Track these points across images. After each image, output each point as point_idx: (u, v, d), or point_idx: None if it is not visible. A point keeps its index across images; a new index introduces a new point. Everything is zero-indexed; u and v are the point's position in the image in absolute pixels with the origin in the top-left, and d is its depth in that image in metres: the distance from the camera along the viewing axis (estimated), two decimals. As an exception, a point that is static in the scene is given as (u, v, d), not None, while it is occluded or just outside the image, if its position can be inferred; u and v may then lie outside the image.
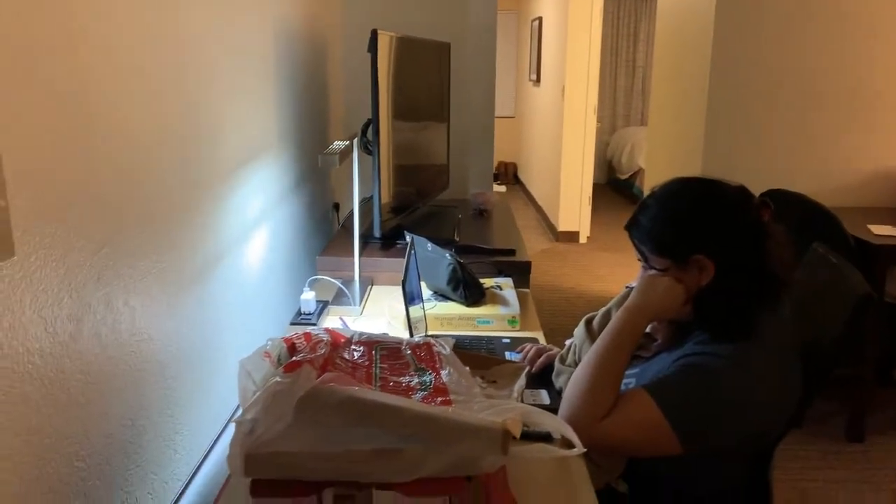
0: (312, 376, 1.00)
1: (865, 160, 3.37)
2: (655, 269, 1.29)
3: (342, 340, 1.22)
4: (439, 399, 1.06)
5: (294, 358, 1.05)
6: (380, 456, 0.96)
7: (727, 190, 1.28)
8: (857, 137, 3.35)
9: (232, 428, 1.30)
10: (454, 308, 1.84)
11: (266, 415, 0.97)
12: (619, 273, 5.11)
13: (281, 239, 2.14)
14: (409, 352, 1.22)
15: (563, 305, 4.47)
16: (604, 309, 1.55)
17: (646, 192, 1.36)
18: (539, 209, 7.14)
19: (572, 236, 6.12)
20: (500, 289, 1.96)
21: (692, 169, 3.46)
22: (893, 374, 3.23)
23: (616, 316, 1.30)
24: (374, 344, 1.23)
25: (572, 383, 1.28)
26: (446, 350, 1.20)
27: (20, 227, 0.86)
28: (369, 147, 2.18)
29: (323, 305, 1.96)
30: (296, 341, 1.16)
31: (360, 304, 1.99)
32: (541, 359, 1.58)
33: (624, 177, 7.90)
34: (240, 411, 1.33)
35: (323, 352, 1.11)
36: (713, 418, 1.22)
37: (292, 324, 1.87)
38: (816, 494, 2.53)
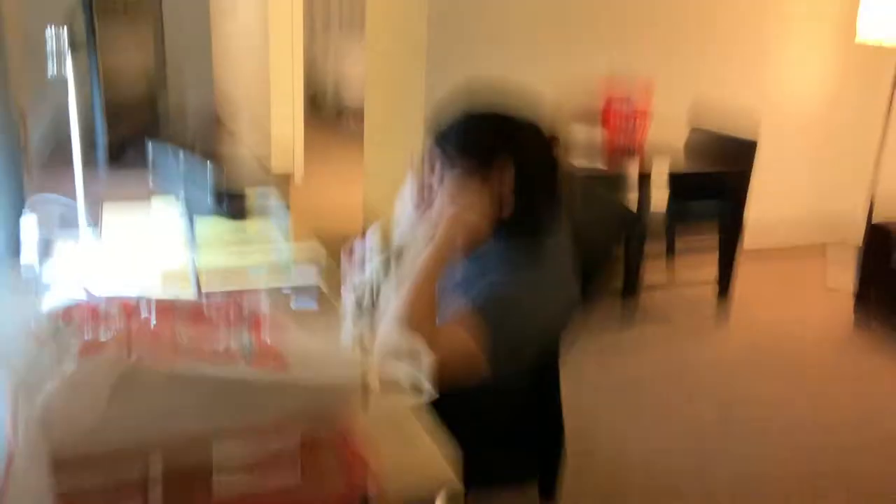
0: (122, 356, 0.82)
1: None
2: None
3: (130, 307, 1.02)
4: (271, 363, 0.95)
5: (88, 338, 0.85)
6: (222, 435, 0.83)
7: (522, 124, 1.32)
8: (557, 59, 3.65)
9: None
10: (219, 260, 1.66)
11: (68, 408, 0.78)
12: (347, 213, 5.08)
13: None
14: (213, 313, 1.07)
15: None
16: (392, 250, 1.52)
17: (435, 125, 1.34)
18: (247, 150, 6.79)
19: (287, 179, 5.94)
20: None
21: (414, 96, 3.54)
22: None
23: (426, 256, 1.28)
24: (169, 308, 1.06)
25: (387, 328, 1.24)
26: (261, 306, 1.07)
27: None
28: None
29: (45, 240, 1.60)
30: (77, 316, 0.94)
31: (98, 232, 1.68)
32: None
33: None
34: None
35: (122, 325, 0.91)
36: (516, 341, 1.29)
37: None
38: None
